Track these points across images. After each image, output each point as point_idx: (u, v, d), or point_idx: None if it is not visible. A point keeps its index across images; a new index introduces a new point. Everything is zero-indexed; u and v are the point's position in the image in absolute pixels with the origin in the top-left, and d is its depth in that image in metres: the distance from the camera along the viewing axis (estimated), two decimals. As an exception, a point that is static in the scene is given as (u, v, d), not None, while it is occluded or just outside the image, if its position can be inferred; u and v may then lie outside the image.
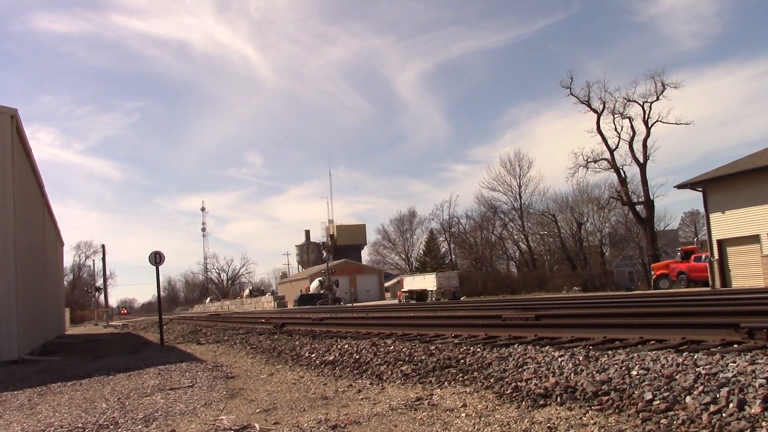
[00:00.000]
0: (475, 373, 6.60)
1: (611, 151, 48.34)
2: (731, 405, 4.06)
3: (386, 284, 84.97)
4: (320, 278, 74.75)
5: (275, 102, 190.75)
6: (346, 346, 10.21)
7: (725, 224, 30.21)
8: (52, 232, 31.71)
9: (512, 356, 6.86)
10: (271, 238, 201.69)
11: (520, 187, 70.20)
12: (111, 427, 5.90)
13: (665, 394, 4.54)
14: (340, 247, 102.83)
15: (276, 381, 8.22)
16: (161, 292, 21.89)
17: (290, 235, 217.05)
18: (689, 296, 19.10)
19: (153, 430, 5.64)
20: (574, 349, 6.79)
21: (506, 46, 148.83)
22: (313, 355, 10.14)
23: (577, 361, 6.00)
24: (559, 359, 6.25)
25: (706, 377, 4.63)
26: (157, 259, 18.83)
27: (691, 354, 5.55)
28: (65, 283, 70.26)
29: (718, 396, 4.25)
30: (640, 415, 4.30)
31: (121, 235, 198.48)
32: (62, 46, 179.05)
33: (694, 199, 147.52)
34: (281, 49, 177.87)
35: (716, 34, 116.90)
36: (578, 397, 5.04)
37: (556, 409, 4.89)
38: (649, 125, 46.25)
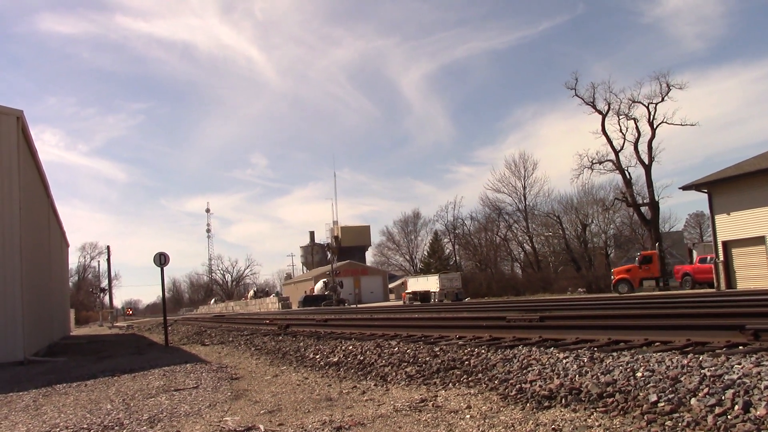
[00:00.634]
0: (480, 375, 6.59)
1: (616, 153, 48.22)
2: (737, 407, 4.05)
3: (390, 285, 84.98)
4: (325, 279, 74.81)
5: (280, 103, 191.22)
6: (351, 347, 10.22)
7: (730, 226, 30.10)
8: (58, 234, 31.83)
9: (517, 358, 6.85)
10: (276, 239, 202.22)
11: (524, 188, 70.18)
12: (116, 428, 5.92)
13: (670, 396, 4.53)
14: (345, 249, 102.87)
15: (280, 382, 8.23)
16: (166, 293, 21.94)
17: (295, 236, 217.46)
18: (694, 298, 19.04)
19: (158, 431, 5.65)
20: (579, 350, 6.79)
21: (511, 47, 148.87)
22: (317, 357, 10.15)
23: (582, 363, 5.99)
24: (564, 361, 6.24)
25: (712, 379, 4.62)
26: (161, 260, 18.86)
27: (696, 356, 5.54)
28: (70, 284, 70.49)
29: (723, 398, 4.24)
30: (645, 417, 4.29)
31: (125, 236, 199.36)
32: (67, 48, 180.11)
33: (699, 201, 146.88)
34: (286, 50, 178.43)
35: (721, 36, 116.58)
36: (583, 398, 5.03)
37: (561, 411, 4.89)
38: (654, 126, 46.11)
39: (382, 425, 5.09)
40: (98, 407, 7.24)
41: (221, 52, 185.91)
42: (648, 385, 4.87)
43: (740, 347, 6.04)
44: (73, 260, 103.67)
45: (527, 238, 70.42)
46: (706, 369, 4.91)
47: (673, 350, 6.29)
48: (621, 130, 47.98)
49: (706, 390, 4.43)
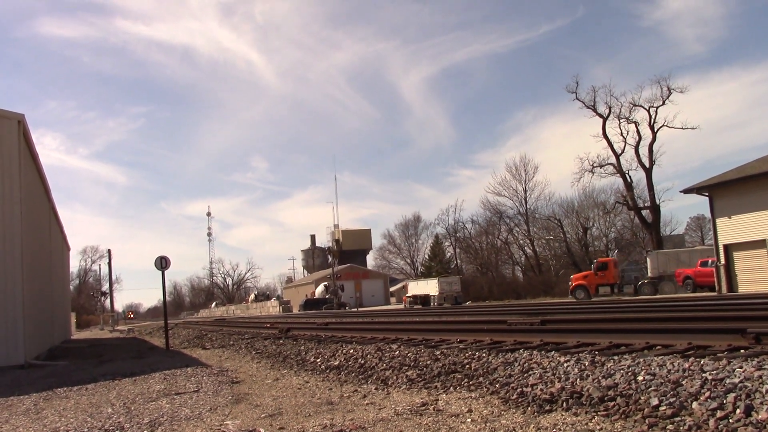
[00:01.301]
0: (481, 379, 6.58)
1: (617, 156, 48.31)
2: (738, 411, 4.04)
3: (391, 289, 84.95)
4: (325, 283, 74.87)
5: (280, 106, 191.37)
6: (352, 351, 10.21)
7: (732, 229, 30.07)
8: (59, 237, 31.85)
9: (518, 361, 6.84)
10: (277, 242, 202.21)
11: (525, 191, 70.20)
12: (117, 431, 5.91)
13: (672, 400, 4.52)
14: (346, 252, 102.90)
15: (281, 386, 8.23)
16: (167, 297, 21.94)
17: (295, 240, 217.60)
18: (695, 301, 19.02)
19: (158, 435, 5.65)
20: (580, 354, 6.78)
21: (511, 50, 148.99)
22: (318, 360, 10.14)
23: (583, 367, 5.98)
24: (565, 364, 6.23)
25: (713, 383, 4.61)
26: (162, 263, 18.88)
27: (698, 359, 5.53)
28: (71, 287, 70.49)
29: (725, 402, 4.23)
30: (647, 421, 4.28)
31: (126, 240, 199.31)
32: (67, 51, 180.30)
33: (700, 204, 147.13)
34: (286, 53, 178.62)
35: (722, 38, 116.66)
36: (584, 402, 5.02)
37: (562, 415, 4.88)
38: (655, 130, 46.23)
39: (383, 429, 5.08)
40: (99, 411, 7.24)
41: (221, 55, 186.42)
42: (649, 389, 4.86)
43: (742, 351, 6.02)
44: (74, 264, 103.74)
45: (528, 241, 70.43)
46: (708, 372, 4.91)
47: (675, 354, 6.28)
48: (622, 134, 48.15)
49: (707, 394, 4.43)
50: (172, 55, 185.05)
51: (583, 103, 49.37)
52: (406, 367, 7.90)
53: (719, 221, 30.87)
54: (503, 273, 73.29)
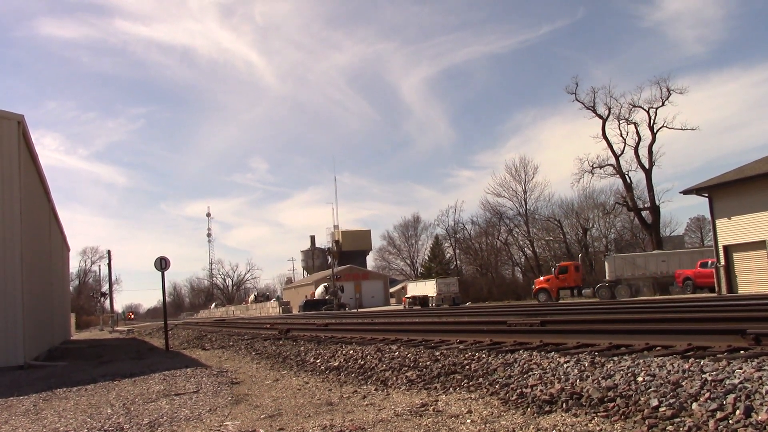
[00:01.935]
0: (480, 379, 6.58)
1: (617, 157, 48.31)
2: (738, 412, 4.04)
3: (391, 290, 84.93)
4: (325, 284, 74.84)
5: (280, 107, 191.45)
6: (351, 351, 10.21)
7: (731, 230, 30.08)
8: (59, 238, 31.84)
9: (517, 362, 6.84)
10: (276, 243, 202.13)
11: (525, 192, 70.12)
12: (116, 432, 5.91)
13: (671, 401, 4.52)
14: (345, 253, 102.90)
15: (281, 387, 8.22)
16: (166, 298, 21.94)
17: (295, 240, 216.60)
18: (695, 302, 19.02)
19: (158, 436, 5.64)
20: (580, 355, 6.78)
21: (511, 51, 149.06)
22: (318, 361, 10.14)
23: (583, 367, 5.98)
24: (565, 365, 6.23)
25: (713, 384, 4.61)
26: (162, 264, 18.87)
27: (698, 360, 5.53)
28: (71, 288, 70.47)
29: (724, 403, 4.23)
30: (647, 422, 4.28)
31: (126, 240, 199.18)
32: (67, 52, 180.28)
33: (700, 205, 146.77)
34: (285, 54, 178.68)
35: (722, 39, 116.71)
36: (584, 403, 5.02)
37: (562, 416, 4.88)
38: (655, 131, 46.24)
39: (382, 430, 5.08)
40: (98, 412, 7.23)
41: (221, 56, 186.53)
42: (649, 390, 4.86)
43: (741, 352, 6.02)
44: (74, 264, 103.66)
45: (528, 242, 70.38)
46: (708, 373, 4.91)
47: (674, 355, 6.28)
48: (621, 135, 48.17)
49: (707, 395, 4.43)
50: (172, 56, 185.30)
51: (583, 104, 49.43)
52: (406, 368, 7.90)
53: (719, 222, 30.88)
54: (503, 274, 73.29)
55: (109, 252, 64.20)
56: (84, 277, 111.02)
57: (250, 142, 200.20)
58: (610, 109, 48.52)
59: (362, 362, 8.99)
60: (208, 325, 35.34)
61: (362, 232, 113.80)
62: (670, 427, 4.11)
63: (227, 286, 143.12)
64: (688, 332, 7.22)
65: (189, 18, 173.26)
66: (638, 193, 50.23)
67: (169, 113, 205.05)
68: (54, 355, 20.16)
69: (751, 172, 29.65)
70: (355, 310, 58.27)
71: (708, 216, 33.15)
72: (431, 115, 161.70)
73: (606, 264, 41.83)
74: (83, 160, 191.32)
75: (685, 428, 4.03)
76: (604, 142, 48.88)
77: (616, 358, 6.23)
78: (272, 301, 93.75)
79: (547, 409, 5.12)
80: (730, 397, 4.27)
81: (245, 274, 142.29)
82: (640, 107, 46.94)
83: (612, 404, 4.82)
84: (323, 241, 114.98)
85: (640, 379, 5.18)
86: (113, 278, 68.75)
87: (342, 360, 9.59)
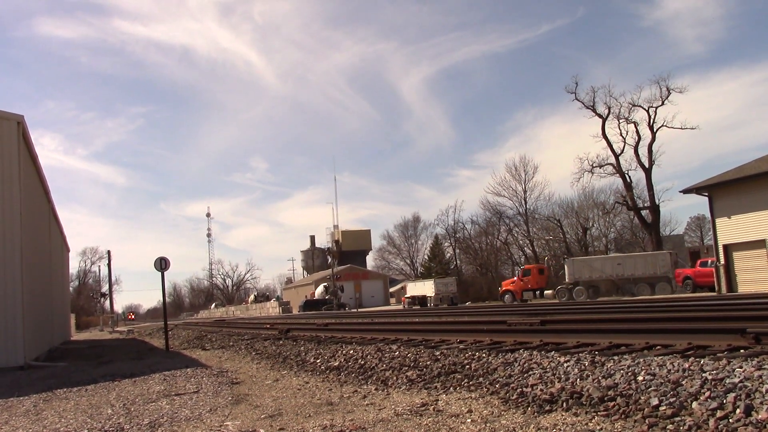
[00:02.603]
0: (481, 379, 6.58)
1: (616, 156, 48.30)
2: (738, 411, 4.04)
3: (391, 290, 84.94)
4: (325, 284, 74.84)
5: (279, 107, 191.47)
6: (351, 351, 10.21)
7: (731, 229, 30.10)
8: (58, 238, 31.84)
9: (518, 362, 6.84)
10: (276, 243, 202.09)
11: (525, 192, 70.16)
12: (116, 432, 5.91)
13: (672, 400, 4.52)
14: (345, 253, 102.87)
15: (281, 387, 8.22)
16: (166, 298, 21.94)
17: (295, 240, 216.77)
18: (695, 301, 19.03)
19: (158, 436, 5.64)
20: (580, 354, 6.78)
21: (511, 50, 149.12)
22: (318, 361, 10.14)
23: (583, 367, 5.98)
24: (565, 364, 6.23)
25: (713, 383, 4.61)
26: (162, 264, 18.87)
27: (698, 359, 5.53)
28: (71, 288, 70.47)
29: (724, 402, 4.23)
30: (647, 421, 4.28)
31: (126, 241, 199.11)
32: (66, 52, 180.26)
33: (699, 204, 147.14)
34: (285, 54, 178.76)
35: (721, 39, 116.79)
36: (584, 402, 5.02)
37: (562, 415, 4.88)
38: (655, 130, 46.23)
39: (383, 429, 5.08)
40: (99, 412, 7.23)
41: (220, 55, 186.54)
42: (649, 389, 4.86)
43: (741, 351, 6.02)
44: (74, 265, 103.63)
45: (528, 241, 70.40)
46: (708, 372, 4.91)
47: (675, 354, 6.28)
48: (621, 134, 48.16)
49: (707, 393, 4.43)
50: (171, 56, 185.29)
51: (583, 103, 49.42)
52: (406, 368, 7.90)
53: (719, 221, 30.89)
54: (503, 273, 73.26)
55: (108, 252, 64.22)
56: (84, 277, 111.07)
57: (249, 141, 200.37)
58: (609, 108, 48.55)
59: (362, 362, 8.99)
60: (208, 326, 35.34)
61: (362, 232, 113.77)
62: (670, 426, 4.11)
63: (227, 286, 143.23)
64: (688, 331, 7.22)
65: (188, 17, 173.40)
66: (638, 192, 50.27)
67: (168, 113, 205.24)
68: (54, 356, 20.16)
69: (750, 171, 29.67)
70: (355, 310, 58.26)
71: (708, 215, 33.19)
72: (431, 114, 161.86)
73: (566, 267, 43.26)
74: (82, 160, 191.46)
75: (686, 427, 4.03)
76: (603, 141, 48.91)
77: (616, 358, 6.23)
78: (272, 301, 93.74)
79: (547, 408, 5.12)
80: (731, 396, 4.27)
81: (245, 274, 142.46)
82: (640, 106, 46.98)
83: (612, 403, 4.82)
84: (323, 241, 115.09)
85: (640, 378, 5.18)
86: (113, 278, 68.77)
87: (342, 360, 9.59)
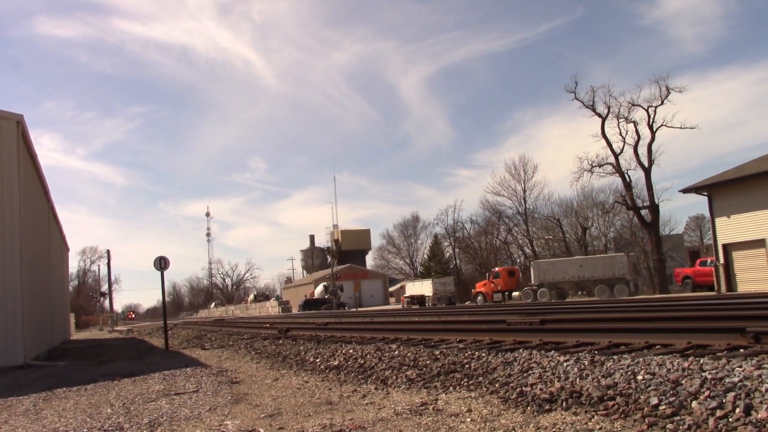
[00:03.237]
0: (480, 378, 6.58)
1: (616, 156, 48.18)
2: (738, 410, 4.04)
3: (390, 289, 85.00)
4: (325, 283, 74.85)
5: (278, 107, 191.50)
6: (351, 350, 10.21)
7: (731, 228, 30.09)
8: (58, 238, 31.82)
9: (517, 361, 6.84)
10: (276, 243, 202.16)
11: (524, 191, 70.17)
12: (116, 431, 5.91)
13: (671, 399, 4.52)
14: (345, 252, 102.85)
15: (281, 386, 8.22)
16: (166, 298, 21.93)
17: (295, 240, 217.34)
18: (695, 301, 19.03)
19: (158, 435, 5.64)
20: (580, 353, 6.78)
21: (510, 50, 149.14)
22: (317, 360, 10.14)
23: (583, 366, 5.98)
24: (565, 364, 6.23)
25: (713, 382, 4.61)
26: (161, 264, 18.86)
27: (697, 358, 5.53)
28: (70, 288, 70.44)
29: (724, 401, 4.23)
30: (646, 420, 4.28)
31: (125, 240, 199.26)
32: (64, 51, 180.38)
33: (699, 204, 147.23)
34: (284, 53, 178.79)
35: (721, 38, 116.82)
36: (584, 401, 5.02)
37: (562, 414, 4.88)
38: (654, 129, 46.09)
39: (382, 429, 5.08)
40: (98, 411, 7.23)
41: (219, 55, 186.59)
42: (649, 388, 4.86)
43: (741, 350, 6.02)
44: (73, 264, 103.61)
45: (527, 241, 70.43)
46: (707, 372, 4.91)
47: (674, 353, 6.28)
48: (621, 134, 47.99)
49: (707, 393, 4.43)
50: (170, 55, 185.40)
51: (582, 102, 49.28)
52: (406, 367, 7.90)
53: (718, 221, 30.89)
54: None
55: (108, 252, 64.34)
56: (83, 276, 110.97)
57: (249, 141, 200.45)
58: (609, 107, 48.41)
59: (362, 361, 8.99)
60: (207, 325, 35.33)
61: (361, 232, 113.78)
62: (669, 426, 4.11)
63: (227, 286, 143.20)
64: (688, 331, 7.22)
65: (187, 17, 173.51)
66: (637, 191, 50.14)
67: (167, 113, 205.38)
68: (54, 355, 20.15)
69: (750, 170, 29.67)
70: (355, 310, 58.27)
71: (707, 214, 33.20)
72: (430, 114, 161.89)
73: (531, 269, 44.90)
74: (82, 160, 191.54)
75: (685, 426, 4.03)
76: (603, 140, 48.75)
77: (615, 357, 6.23)
78: (272, 300, 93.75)
79: (546, 407, 5.12)
80: (730, 396, 4.27)
81: (245, 273, 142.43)
82: (640, 106, 46.82)
83: (612, 403, 4.82)
84: (323, 241, 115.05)
85: (639, 377, 5.18)
86: (112, 278, 68.79)
87: (342, 359, 9.59)
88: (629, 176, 48.82)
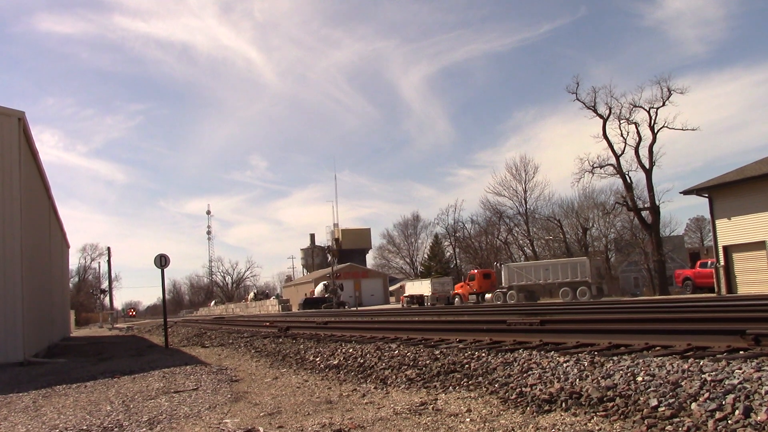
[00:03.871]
0: (480, 378, 6.58)
1: (617, 157, 48.17)
2: (737, 412, 4.04)
3: (391, 288, 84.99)
4: (325, 282, 74.84)
5: (279, 105, 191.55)
6: (351, 350, 10.21)
7: (731, 230, 30.09)
8: (58, 235, 31.84)
9: (517, 361, 6.84)
10: (276, 241, 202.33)
11: (525, 191, 70.22)
12: (115, 429, 5.91)
13: (671, 401, 4.52)
14: (345, 251, 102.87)
15: (280, 385, 8.23)
16: (166, 295, 21.94)
17: (295, 238, 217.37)
18: (695, 302, 19.03)
19: (157, 433, 5.65)
20: (579, 354, 6.77)
21: (511, 49, 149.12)
22: (317, 359, 10.14)
23: (582, 367, 5.98)
24: (564, 365, 6.23)
25: (712, 384, 4.61)
26: (162, 261, 18.86)
27: (697, 360, 5.53)
28: (71, 285, 70.48)
29: (723, 403, 4.23)
30: (646, 422, 4.28)
31: (125, 237, 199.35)
32: (65, 48, 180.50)
33: (699, 205, 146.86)
34: (285, 51, 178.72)
35: (723, 39, 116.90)
36: (583, 402, 5.02)
37: (561, 415, 4.88)
38: (655, 131, 46.07)
39: (381, 428, 5.08)
40: (98, 409, 7.24)
41: (220, 53, 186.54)
42: (648, 390, 4.86)
43: (741, 352, 6.02)
44: (74, 261, 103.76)
45: (528, 241, 70.46)
46: (707, 374, 4.90)
47: (674, 355, 6.28)
48: (622, 135, 47.98)
49: (706, 395, 4.42)
50: (171, 53, 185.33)
51: (584, 103, 49.26)
52: (406, 367, 7.90)
53: (719, 222, 30.89)
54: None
55: (108, 249, 64.26)
56: (83, 274, 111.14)
57: (249, 139, 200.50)
58: (610, 108, 48.40)
59: (362, 361, 8.99)
60: (207, 323, 35.34)
61: (362, 231, 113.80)
62: (669, 427, 4.11)
63: (227, 284, 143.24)
64: (688, 332, 7.21)
65: (188, 14, 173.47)
66: (638, 193, 50.14)
67: (168, 110, 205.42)
68: (53, 352, 20.17)
69: (751, 172, 29.65)
70: (355, 309, 58.26)
71: (708, 216, 33.19)
72: (431, 113, 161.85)
73: (502, 272, 46.92)
74: (82, 157, 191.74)
75: (684, 428, 4.03)
76: (604, 141, 48.74)
77: (615, 358, 6.22)
78: (272, 299, 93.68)
79: (546, 408, 5.12)
80: (730, 398, 4.27)
81: (245, 271, 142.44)
82: (641, 107, 46.79)
83: (611, 404, 4.82)
84: (323, 239, 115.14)
85: (639, 378, 5.17)
86: (113, 275, 68.78)
87: (341, 358, 9.59)
88: (630, 177, 48.84)
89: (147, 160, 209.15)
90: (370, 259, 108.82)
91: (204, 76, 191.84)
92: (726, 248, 30.44)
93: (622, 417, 4.53)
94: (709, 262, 34.13)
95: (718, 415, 4.08)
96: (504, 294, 44.82)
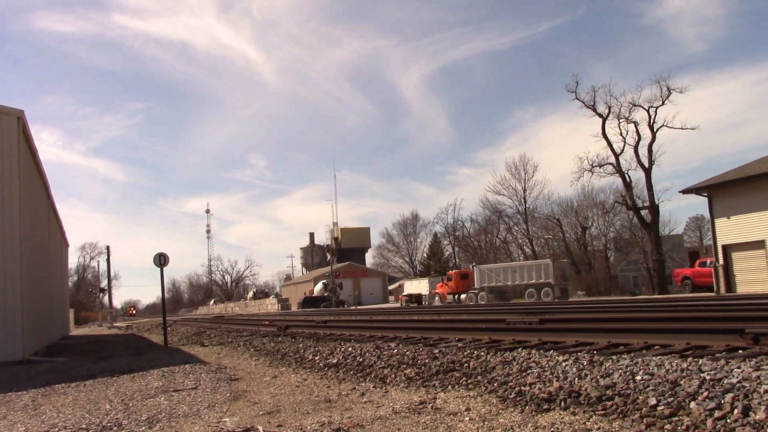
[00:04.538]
0: (479, 377, 6.58)
1: (616, 156, 48.15)
2: (736, 411, 4.04)
3: (390, 287, 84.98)
4: (324, 281, 74.80)
5: (279, 104, 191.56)
6: (350, 349, 10.21)
7: (730, 229, 30.10)
8: (58, 233, 31.81)
9: (516, 360, 6.84)
10: (276, 240, 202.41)
11: (524, 190, 70.18)
12: (115, 428, 5.91)
13: (670, 400, 4.52)
14: (344, 250, 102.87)
15: (279, 383, 8.23)
16: (165, 294, 21.92)
17: (294, 237, 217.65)
18: (694, 301, 19.04)
19: (156, 432, 5.64)
20: (579, 353, 6.78)
21: (511, 48, 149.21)
22: (316, 358, 10.14)
23: (581, 366, 5.98)
24: (563, 364, 6.23)
25: (711, 383, 4.61)
26: (161, 260, 18.85)
27: (696, 359, 5.53)
28: (70, 284, 70.44)
29: (722, 402, 4.23)
30: (645, 421, 4.28)
31: (125, 236, 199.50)
32: (64, 46, 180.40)
33: (699, 204, 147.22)
34: (284, 50, 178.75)
35: (722, 38, 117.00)
36: (582, 401, 5.02)
37: (560, 414, 4.88)
38: (655, 130, 46.05)
39: (380, 427, 5.08)
40: (97, 407, 7.23)
41: (219, 51, 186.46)
42: (647, 389, 4.86)
43: (740, 351, 6.03)
44: (73, 260, 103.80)
45: (527, 240, 70.43)
46: (706, 373, 4.91)
47: (673, 354, 6.28)
48: (621, 134, 47.95)
49: (705, 394, 4.43)
50: (170, 51, 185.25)
51: (583, 102, 49.22)
52: (405, 366, 7.90)
53: (718, 222, 30.90)
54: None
55: (107, 248, 64.18)
56: (83, 272, 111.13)
57: (249, 138, 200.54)
58: (610, 107, 48.36)
59: (361, 359, 8.99)
60: (206, 322, 35.34)
61: (361, 230, 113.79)
62: (668, 426, 4.11)
63: (226, 283, 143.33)
64: (687, 331, 7.22)
65: (187, 13, 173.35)
66: (637, 192, 50.11)
67: (167, 109, 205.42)
68: (53, 351, 20.17)
69: (751, 171, 29.66)
70: (354, 308, 58.29)
71: (707, 215, 33.20)
72: (430, 112, 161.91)
73: (475, 273, 48.54)
74: (81, 156, 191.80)
75: (683, 427, 4.03)
76: (603, 140, 48.72)
77: (614, 357, 6.23)
78: (271, 297, 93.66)
79: (545, 407, 5.12)
80: (728, 397, 4.27)
81: (244, 270, 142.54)
82: (640, 106, 46.75)
83: (610, 403, 4.83)
84: (322, 238, 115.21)
85: (638, 377, 5.18)
86: (112, 274, 68.74)
87: (341, 357, 9.59)
88: (629, 176, 48.82)
89: (146, 158, 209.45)
90: (370, 258, 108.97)
91: (203, 74, 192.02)
92: (725, 247, 30.45)
93: (621, 416, 4.53)
94: (708, 261, 34.14)
95: (716, 414, 4.08)
96: (476, 295, 46.70)
